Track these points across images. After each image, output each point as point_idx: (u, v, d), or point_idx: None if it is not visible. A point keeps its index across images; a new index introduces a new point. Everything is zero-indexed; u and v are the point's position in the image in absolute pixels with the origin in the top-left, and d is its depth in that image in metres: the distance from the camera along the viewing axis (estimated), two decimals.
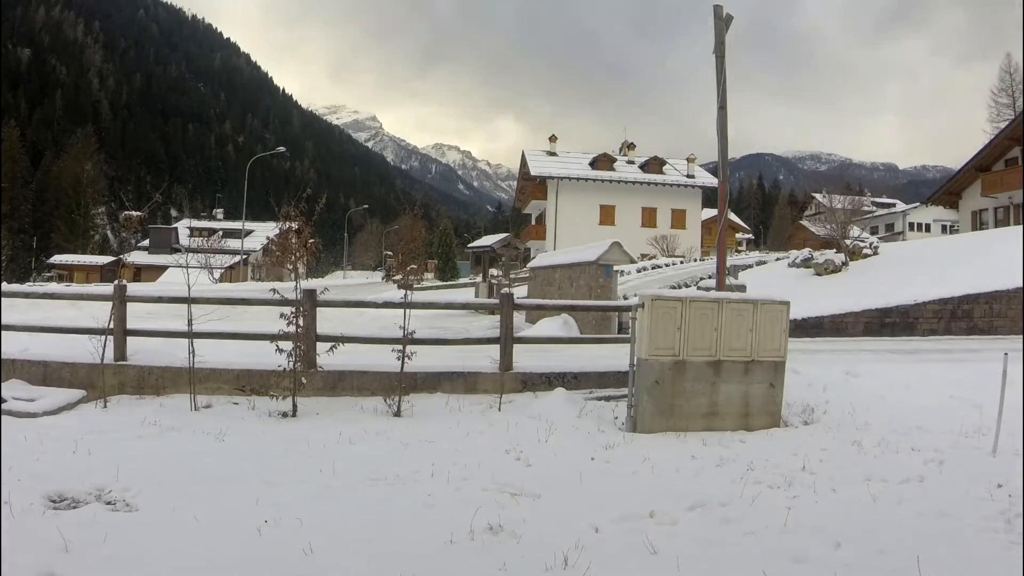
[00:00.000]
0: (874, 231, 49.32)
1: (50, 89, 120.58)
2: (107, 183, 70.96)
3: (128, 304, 7.79)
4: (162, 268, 45.48)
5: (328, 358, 7.29)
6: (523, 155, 47.34)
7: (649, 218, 44.31)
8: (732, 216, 58.62)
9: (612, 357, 8.49)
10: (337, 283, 43.21)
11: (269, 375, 7.19)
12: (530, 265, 22.77)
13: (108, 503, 4.14)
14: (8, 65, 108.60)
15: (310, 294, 7.45)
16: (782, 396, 6.91)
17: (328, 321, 8.43)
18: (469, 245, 61.20)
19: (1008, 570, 3.37)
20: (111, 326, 7.58)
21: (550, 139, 47.42)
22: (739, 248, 55.99)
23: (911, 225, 52.77)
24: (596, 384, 7.96)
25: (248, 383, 7.42)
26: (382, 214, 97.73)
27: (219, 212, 70.50)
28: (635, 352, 6.71)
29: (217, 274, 38.66)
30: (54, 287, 28.76)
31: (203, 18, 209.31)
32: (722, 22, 9.15)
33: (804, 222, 55.63)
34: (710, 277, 17.17)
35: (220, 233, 48.34)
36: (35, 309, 12.39)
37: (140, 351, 7.84)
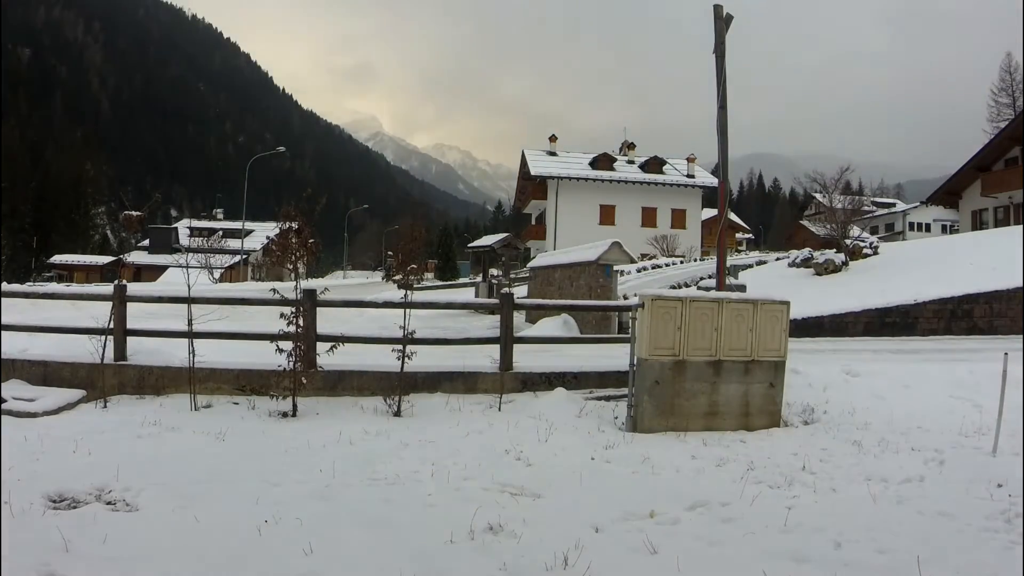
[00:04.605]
0: (874, 231, 49.30)
1: (50, 89, 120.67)
2: (107, 183, 70.94)
3: (128, 304, 7.79)
4: (162, 268, 45.51)
5: (328, 358, 7.29)
6: (523, 155, 47.31)
7: (649, 218, 44.32)
8: (732, 216, 58.63)
9: (612, 357, 8.50)
10: (337, 283, 43.22)
11: (269, 375, 7.19)
12: (530, 265, 22.77)
13: (108, 503, 4.14)
14: (8, 65, 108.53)
15: (310, 294, 7.44)
16: (782, 396, 6.91)
17: (328, 321, 8.43)
18: (469, 245, 61.16)
19: (1008, 570, 3.37)
20: (111, 326, 7.59)
21: (550, 139, 47.40)
22: (739, 248, 56.00)
23: (911, 225, 52.79)
24: (596, 384, 7.95)
25: (248, 383, 7.42)
26: (382, 214, 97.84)
27: (219, 212, 70.30)
28: (635, 352, 6.71)
29: (217, 274, 38.69)
30: (54, 287, 28.73)
31: (203, 18, 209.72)
32: (722, 22, 9.14)
33: (804, 222, 55.56)
34: (710, 277, 17.16)
35: (220, 233, 48.24)
36: (35, 309, 12.37)
37: (140, 351, 7.85)
